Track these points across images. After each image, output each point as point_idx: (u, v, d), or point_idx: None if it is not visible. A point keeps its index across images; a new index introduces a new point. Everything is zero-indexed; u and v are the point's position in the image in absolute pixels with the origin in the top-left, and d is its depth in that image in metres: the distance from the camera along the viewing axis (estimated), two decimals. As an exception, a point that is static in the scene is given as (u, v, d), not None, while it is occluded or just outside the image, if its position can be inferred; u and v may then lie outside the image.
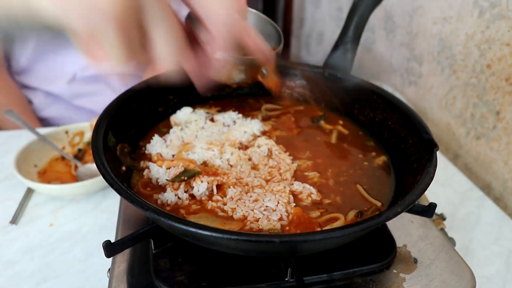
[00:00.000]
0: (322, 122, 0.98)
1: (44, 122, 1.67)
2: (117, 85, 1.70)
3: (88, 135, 1.19)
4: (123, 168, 0.77)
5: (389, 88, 1.50)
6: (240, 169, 0.78)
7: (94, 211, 1.02)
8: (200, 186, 0.70)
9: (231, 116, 0.95)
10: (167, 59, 0.49)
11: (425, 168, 0.69)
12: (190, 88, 1.00)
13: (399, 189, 0.76)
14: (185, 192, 0.71)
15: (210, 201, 0.70)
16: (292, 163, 0.82)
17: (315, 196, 0.73)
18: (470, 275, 0.71)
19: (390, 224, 0.78)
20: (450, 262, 0.73)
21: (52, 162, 1.12)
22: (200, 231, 0.53)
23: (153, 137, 0.86)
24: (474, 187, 1.15)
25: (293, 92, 1.06)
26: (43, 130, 1.16)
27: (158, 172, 0.75)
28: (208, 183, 0.71)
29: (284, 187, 0.72)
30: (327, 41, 2.50)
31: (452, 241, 0.88)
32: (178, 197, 0.71)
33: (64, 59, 1.60)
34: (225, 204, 0.69)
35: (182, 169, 0.74)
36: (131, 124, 0.86)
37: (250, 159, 0.82)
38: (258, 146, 0.85)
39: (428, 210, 0.69)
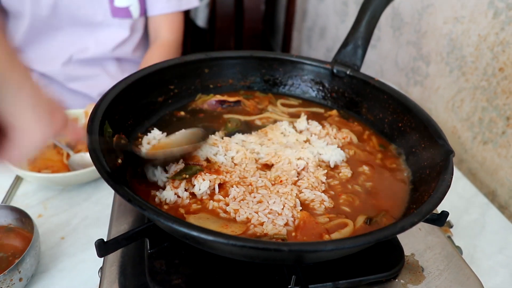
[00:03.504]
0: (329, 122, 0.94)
1: (37, 105, 1.61)
2: (114, 70, 1.64)
3: (82, 123, 1.13)
4: (119, 160, 0.72)
5: (393, 87, 1.46)
6: (245, 168, 0.73)
7: (86, 202, 0.97)
8: (201, 185, 0.66)
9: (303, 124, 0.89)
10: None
11: (440, 175, 0.66)
12: (192, 78, 0.96)
13: (411, 195, 0.73)
14: (185, 190, 0.67)
15: (211, 201, 0.66)
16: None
17: (328, 203, 0.70)
18: (480, 288, 0.68)
19: (398, 231, 0.75)
20: (459, 273, 0.70)
21: (43, 150, 1.07)
22: (203, 236, 0.49)
23: (152, 130, 0.81)
24: (478, 193, 1.12)
25: (300, 88, 1.02)
26: (34, 115, 1.10)
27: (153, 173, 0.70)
28: (210, 181, 0.67)
29: (291, 190, 0.68)
30: (329, 35, 2.45)
31: (459, 250, 0.85)
32: (178, 196, 0.66)
33: (60, 40, 1.54)
34: (227, 204, 0.65)
35: (182, 165, 0.69)
36: (128, 114, 0.81)
37: (257, 161, 0.77)
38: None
39: (440, 219, 0.66)
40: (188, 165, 0.69)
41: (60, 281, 0.78)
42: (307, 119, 0.91)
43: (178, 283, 0.61)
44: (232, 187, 0.67)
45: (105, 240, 0.58)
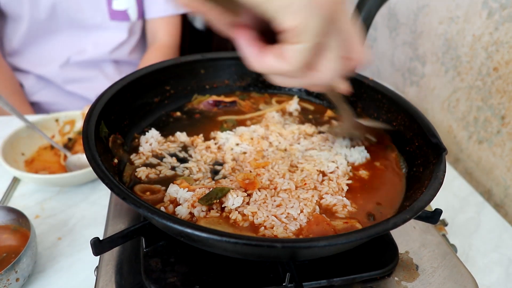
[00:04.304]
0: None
1: (35, 106, 1.62)
2: (112, 72, 1.65)
3: (79, 124, 1.14)
4: (115, 160, 0.72)
5: (389, 88, 1.46)
6: (276, 169, 0.74)
7: (82, 203, 0.98)
8: (235, 200, 0.64)
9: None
10: (329, 77, 0.50)
11: (433, 172, 0.66)
12: (188, 79, 0.96)
13: (405, 193, 0.73)
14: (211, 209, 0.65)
15: (236, 211, 0.64)
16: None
17: (350, 207, 0.69)
18: (474, 285, 0.69)
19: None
20: (453, 271, 0.71)
21: (41, 151, 1.08)
22: (197, 233, 0.50)
23: (149, 130, 0.81)
24: (474, 192, 1.12)
25: (295, 88, 1.02)
26: (32, 117, 1.11)
27: (176, 192, 0.67)
28: (243, 198, 0.65)
29: (312, 196, 0.68)
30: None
31: (454, 248, 0.85)
32: (191, 213, 0.64)
33: (58, 42, 1.55)
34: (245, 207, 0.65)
35: (212, 184, 0.69)
36: (125, 114, 0.82)
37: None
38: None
39: (433, 216, 0.66)
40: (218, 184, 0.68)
41: (57, 281, 0.79)
42: (303, 120, 0.92)
43: (174, 281, 0.61)
44: (254, 190, 0.67)
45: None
